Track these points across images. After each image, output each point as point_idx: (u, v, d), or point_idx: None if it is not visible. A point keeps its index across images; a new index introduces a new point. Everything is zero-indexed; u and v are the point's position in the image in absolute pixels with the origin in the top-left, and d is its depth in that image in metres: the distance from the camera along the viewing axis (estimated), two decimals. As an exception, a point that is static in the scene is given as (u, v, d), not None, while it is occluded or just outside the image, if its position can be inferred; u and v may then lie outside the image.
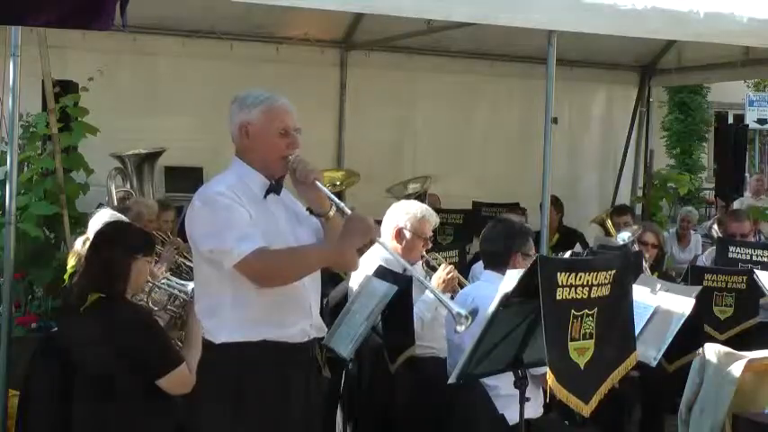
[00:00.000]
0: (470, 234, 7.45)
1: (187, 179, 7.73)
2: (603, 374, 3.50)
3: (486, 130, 9.56)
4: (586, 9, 5.56)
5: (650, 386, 5.33)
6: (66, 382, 3.76)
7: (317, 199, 3.48)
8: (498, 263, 4.43)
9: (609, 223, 7.86)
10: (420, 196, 7.70)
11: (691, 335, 4.42)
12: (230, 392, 3.35)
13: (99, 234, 4.18)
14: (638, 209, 9.92)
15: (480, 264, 4.81)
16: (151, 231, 5.20)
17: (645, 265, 5.84)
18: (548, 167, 5.83)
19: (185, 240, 3.82)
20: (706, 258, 7.30)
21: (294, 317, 3.42)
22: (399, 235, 4.93)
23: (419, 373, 4.57)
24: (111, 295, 3.80)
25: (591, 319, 3.41)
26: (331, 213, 3.48)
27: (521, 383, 3.67)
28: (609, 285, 3.46)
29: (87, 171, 6.56)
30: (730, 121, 18.09)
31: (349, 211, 3.43)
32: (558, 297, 3.31)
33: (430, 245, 5.10)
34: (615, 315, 3.54)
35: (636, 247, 6.42)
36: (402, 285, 4.25)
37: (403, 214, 4.98)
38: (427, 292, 4.35)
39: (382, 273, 4.45)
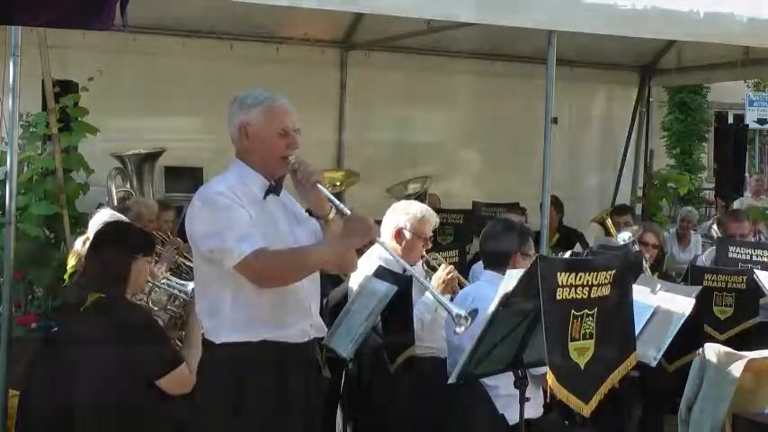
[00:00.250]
0: (470, 234, 7.44)
1: (187, 179, 7.74)
2: (603, 374, 3.50)
3: (486, 130, 9.55)
4: (586, 9, 5.56)
5: (650, 386, 5.32)
6: (67, 382, 3.76)
7: (317, 201, 3.48)
8: (498, 263, 4.43)
9: (609, 222, 7.86)
10: (420, 196, 7.71)
11: (691, 335, 4.42)
12: (230, 392, 3.35)
13: (99, 234, 4.19)
14: (638, 209, 9.92)
15: (480, 264, 4.80)
16: (151, 231, 5.21)
17: (645, 265, 5.84)
18: (548, 167, 5.83)
19: (185, 240, 3.82)
20: (706, 258, 7.30)
21: (294, 317, 3.42)
22: (399, 235, 4.93)
23: (419, 373, 4.57)
24: (111, 295, 3.80)
25: (591, 319, 3.41)
26: (331, 215, 3.48)
27: (521, 383, 3.67)
28: (609, 285, 3.46)
29: (87, 171, 6.57)
30: (730, 121, 18.07)
31: (348, 212, 3.43)
32: (558, 297, 3.31)
33: (430, 245, 5.10)
34: (615, 315, 3.54)
35: (636, 248, 6.41)
36: (402, 285, 4.25)
37: (403, 214, 4.98)
38: (428, 292, 4.35)
39: (382, 273, 4.46)
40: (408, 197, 6.67)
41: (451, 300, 4.69)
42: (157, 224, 6.14)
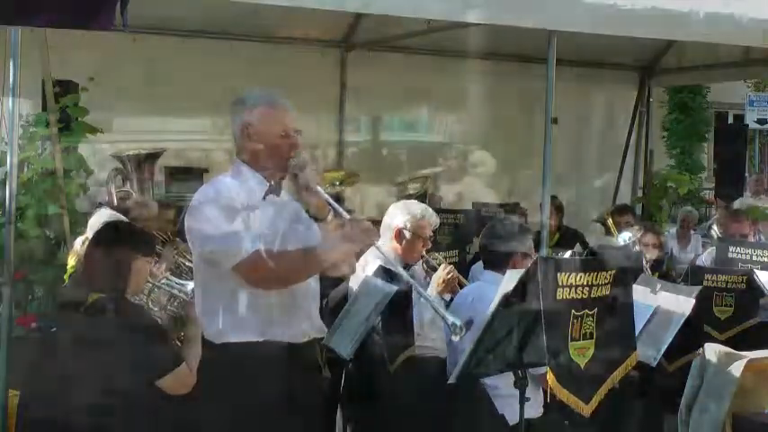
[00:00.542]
0: (470, 234, 7.44)
1: (187, 179, 7.73)
2: (603, 374, 3.51)
3: (487, 130, 9.56)
4: (586, 9, 5.55)
5: (650, 386, 5.32)
6: (66, 383, 3.76)
7: (316, 204, 3.49)
8: (498, 263, 4.43)
9: (610, 222, 7.85)
10: (420, 196, 7.70)
11: (691, 335, 4.43)
12: (230, 392, 3.35)
13: (99, 234, 4.18)
14: (639, 209, 9.92)
15: (480, 264, 4.80)
16: (151, 231, 5.20)
17: (645, 265, 5.84)
18: (548, 167, 5.82)
19: (185, 240, 3.82)
20: (706, 258, 7.30)
21: (294, 317, 3.43)
22: (399, 235, 4.93)
23: (419, 373, 4.57)
24: (111, 295, 3.80)
25: (591, 319, 3.41)
26: (330, 218, 3.48)
27: (521, 383, 3.67)
28: (609, 285, 3.47)
29: (87, 171, 6.56)
30: (730, 121, 18.09)
31: (348, 216, 3.43)
32: (558, 297, 3.32)
33: (430, 245, 5.10)
34: (615, 315, 3.54)
35: (637, 248, 6.42)
36: (402, 285, 4.25)
37: (403, 214, 4.98)
38: (428, 292, 4.35)
39: (382, 273, 4.45)
40: (408, 197, 6.66)
41: (451, 300, 4.70)
42: (157, 224, 6.12)
